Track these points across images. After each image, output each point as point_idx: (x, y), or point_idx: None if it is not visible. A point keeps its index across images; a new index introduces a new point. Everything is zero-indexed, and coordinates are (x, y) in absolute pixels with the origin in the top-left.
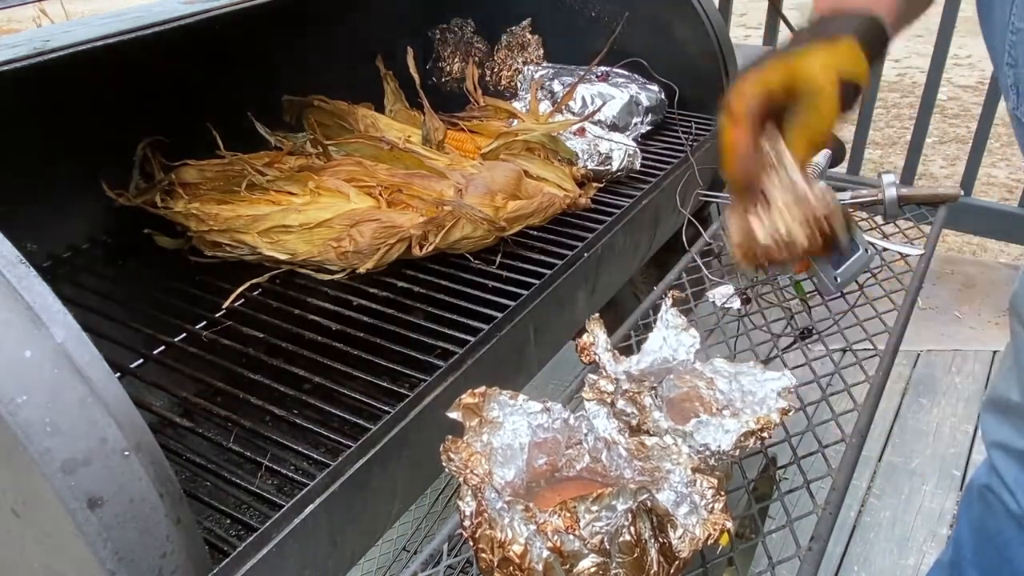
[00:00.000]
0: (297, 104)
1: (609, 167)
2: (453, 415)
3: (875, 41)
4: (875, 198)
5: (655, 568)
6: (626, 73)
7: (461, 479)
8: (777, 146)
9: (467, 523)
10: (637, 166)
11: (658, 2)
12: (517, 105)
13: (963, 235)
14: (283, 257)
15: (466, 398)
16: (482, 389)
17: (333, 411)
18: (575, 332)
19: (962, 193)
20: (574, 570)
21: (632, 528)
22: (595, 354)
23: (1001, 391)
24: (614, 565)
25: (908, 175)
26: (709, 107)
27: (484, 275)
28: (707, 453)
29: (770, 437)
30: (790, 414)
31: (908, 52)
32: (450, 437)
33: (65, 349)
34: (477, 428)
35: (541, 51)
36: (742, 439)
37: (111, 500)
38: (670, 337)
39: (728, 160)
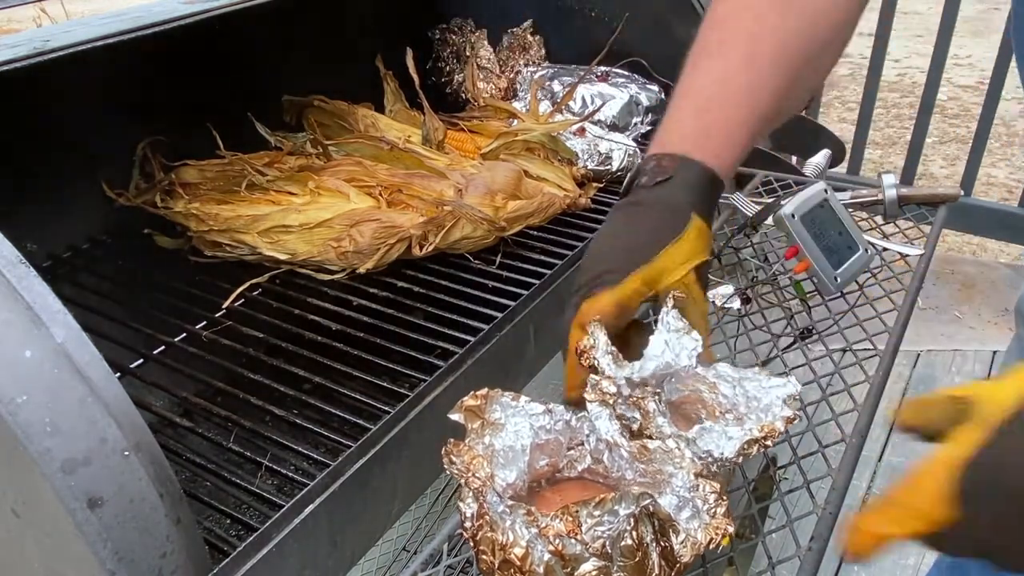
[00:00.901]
0: (297, 104)
1: (609, 167)
2: (455, 417)
3: (715, 200)
4: (875, 198)
5: (656, 572)
6: (626, 73)
7: (463, 482)
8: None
9: (468, 524)
10: None
11: (658, 2)
12: (517, 105)
13: (963, 235)
14: (283, 257)
15: (468, 400)
16: (484, 391)
17: (333, 411)
18: None
19: (962, 193)
20: (575, 573)
21: (634, 532)
22: (595, 358)
23: None
24: (615, 569)
25: (908, 175)
26: None
27: (484, 275)
28: (710, 459)
29: (773, 445)
30: (795, 422)
31: (908, 52)
32: (451, 440)
33: (65, 349)
34: (479, 430)
35: (543, 51)
36: (745, 447)
37: (111, 500)
38: (672, 341)
39: (568, 371)
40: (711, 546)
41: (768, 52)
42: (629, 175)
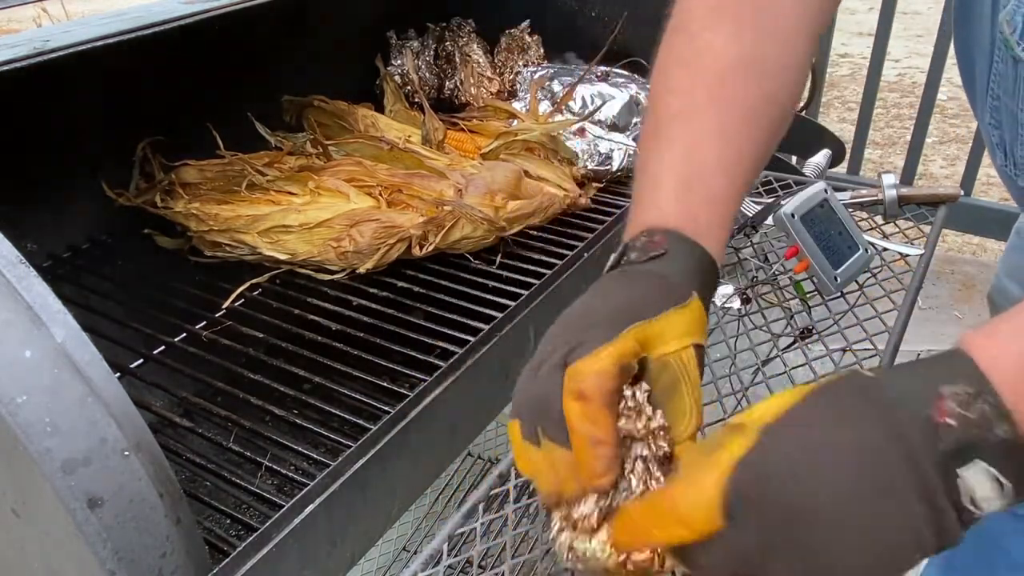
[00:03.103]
0: (297, 104)
1: (609, 167)
2: None
3: (711, 287)
4: (875, 198)
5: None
6: (626, 73)
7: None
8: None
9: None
10: None
11: (658, 2)
12: (517, 105)
13: (963, 235)
14: (283, 257)
15: None
16: None
17: (333, 411)
18: None
19: (962, 193)
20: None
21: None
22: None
23: None
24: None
25: (908, 175)
26: None
27: (484, 275)
28: None
29: None
30: None
31: (908, 52)
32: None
33: (65, 349)
34: None
35: (542, 51)
36: None
37: (111, 500)
38: None
39: (586, 457)
40: None
41: (738, 120)
42: (615, 255)
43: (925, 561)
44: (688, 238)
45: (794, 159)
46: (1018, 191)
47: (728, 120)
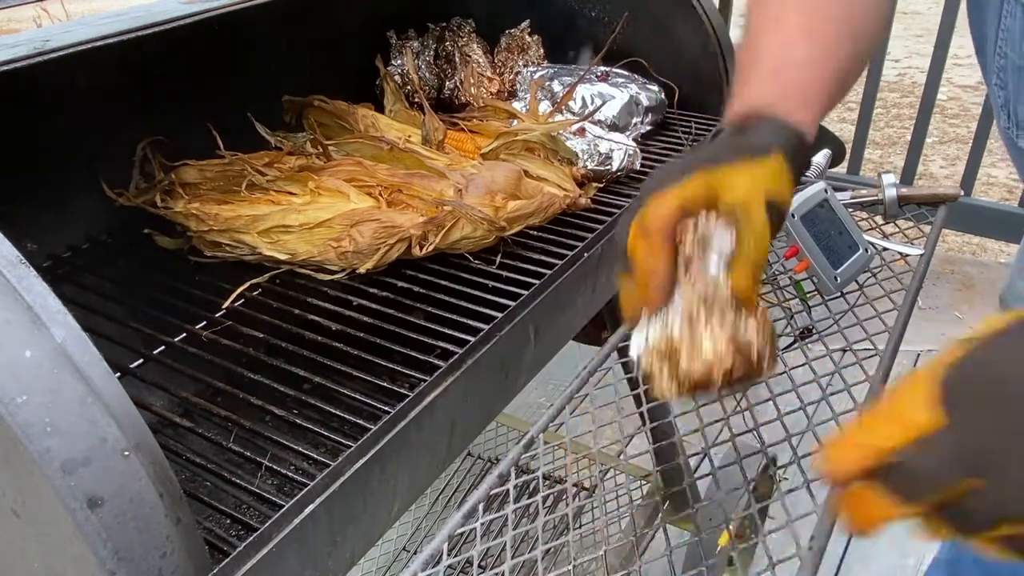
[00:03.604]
0: (297, 104)
1: (609, 167)
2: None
3: (800, 159)
4: (875, 198)
5: None
6: (626, 73)
7: None
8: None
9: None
10: (637, 166)
11: (658, 2)
12: (517, 105)
13: (963, 235)
14: (283, 257)
15: None
16: None
17: (333, 411)
18: (575, 332)
19: (962, 193)
20: None
21: None
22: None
23: None
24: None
25: (908, 175)
26: (709, 107)
27: (484, 275)
28: None
29: None
30: None
31: (908, 52)
32: None
33: (65, 349)
34: None
35: (542, 51)
36: None
37: (111, 500)
38: None
39: (645, 282)
40: None
41: (823, 28)
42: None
43: (927, 560)
44: (773, 114)
45: None
46: (1018, 153)
47: (814, 26)
